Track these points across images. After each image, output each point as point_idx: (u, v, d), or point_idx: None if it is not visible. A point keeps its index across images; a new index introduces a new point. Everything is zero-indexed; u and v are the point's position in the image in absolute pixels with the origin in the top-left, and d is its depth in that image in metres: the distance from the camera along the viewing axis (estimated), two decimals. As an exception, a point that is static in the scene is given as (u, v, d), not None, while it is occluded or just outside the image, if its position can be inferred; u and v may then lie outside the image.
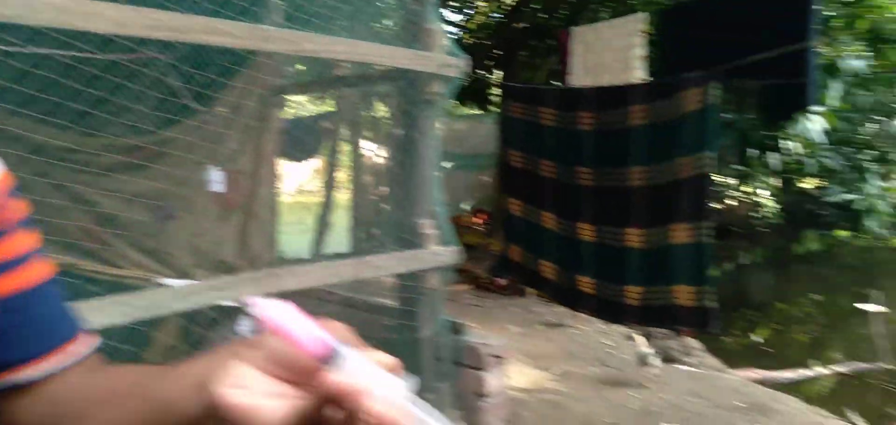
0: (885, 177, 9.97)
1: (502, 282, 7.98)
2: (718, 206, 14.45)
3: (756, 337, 9.30)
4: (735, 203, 14.57)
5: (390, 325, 2.75)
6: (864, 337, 8.27)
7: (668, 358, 5.88)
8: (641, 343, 5.56)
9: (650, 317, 3.68)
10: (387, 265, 2.48)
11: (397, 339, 2.71)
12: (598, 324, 7.04)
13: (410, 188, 2.62)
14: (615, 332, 6.83)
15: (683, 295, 3.41)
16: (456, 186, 10.53)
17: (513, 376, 5.49)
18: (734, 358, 7.27)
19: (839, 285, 11.74)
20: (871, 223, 10.35)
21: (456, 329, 2.68)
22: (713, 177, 3.40)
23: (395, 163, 3.03)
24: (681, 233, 3.37)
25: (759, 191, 13.82)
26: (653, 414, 4.81)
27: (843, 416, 5.38)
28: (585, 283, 3.84)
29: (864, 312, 9.23)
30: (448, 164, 10.67)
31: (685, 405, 4.98)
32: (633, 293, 3.59)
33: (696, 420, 4.71)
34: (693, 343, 6.43)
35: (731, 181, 13.17)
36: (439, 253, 2.57)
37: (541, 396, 5.06)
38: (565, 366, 5.72)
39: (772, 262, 14.92)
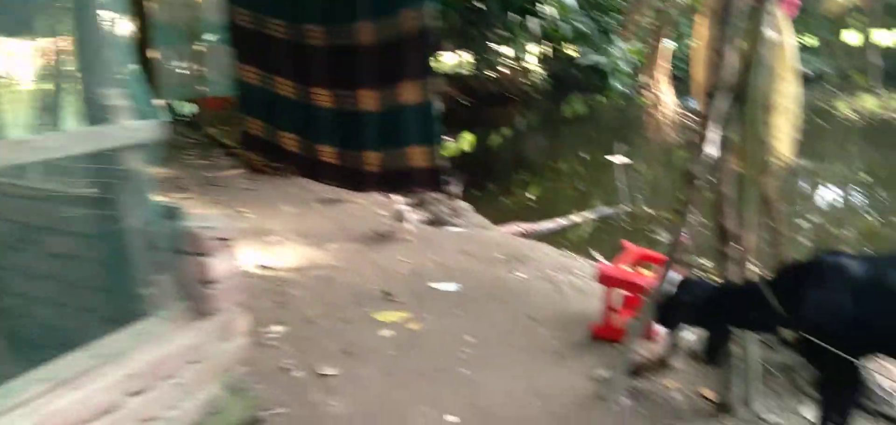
0: (626, 39, 11.02)
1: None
2: (493, 74, 15.15)
3: (530, 195, 10.09)
4: (508, 71, 15.35)
5: (87, 216, 2.36)
6: (616, 187, 9.34)
7: (439, 221, 6.07)
8: (398, 200, 5.69)
9: (390, 181, 3.65)
10: (57, 145, 2.06)
11: (98, 232, 2.33)
12: (377, 197, 7.05)
13: (86, 51, 2.16)
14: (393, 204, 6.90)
15: (417, 156, 3.42)
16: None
17: (284, 256, 5.30)
18: (509, 215, 7.80)
19: (600, 142, 13.03)
20: (615, 83, 11.50)
21: (172, 214, 2.35)
22: (435, 33, 3.35)
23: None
24: (409, 92, 3.32)
25: (528, 57, 14.62)
26: (422, 274, 4.96)
27: (587, 255, 6.03)
28: (327, 153, 3.68)
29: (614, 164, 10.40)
30: (213, 37, 9.71)
31: (452, 263, 5.21)
32: (372, 159, 3.52)
33: (462, 274, 4.95)
34: (463, 205, 6.71)
35: (504, 49, 13.75)
36: (134, 128, 2.19)
37: (312, 273, 4.96)
38: (339, 241, 5.65)
39: (544, 125, 16.19)
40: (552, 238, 7.06)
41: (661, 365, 3.50)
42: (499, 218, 7.35)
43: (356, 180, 3.67)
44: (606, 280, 3.83)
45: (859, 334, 2.45)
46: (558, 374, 3.57)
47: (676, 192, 3.02)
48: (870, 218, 7.77)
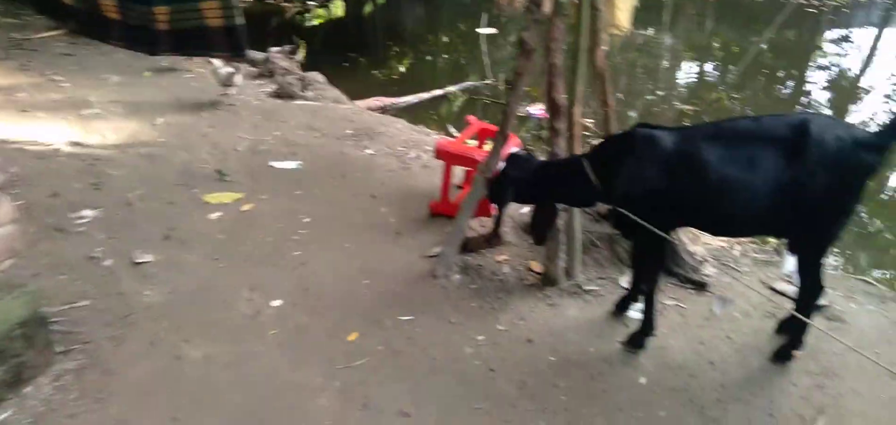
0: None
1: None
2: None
3: (402, 67, 9.72)
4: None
5: None
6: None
7: (286, 94, 5.68)
8: (219, 64, 5.26)
9: (185, 42, 3.24)
10: None
11: None
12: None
13: None
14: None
15: (211, 13, 3.04)
16: None
17: (103, 132, 4.75)
18: (375, 88, 7.46)
19: (478, 13, 12.69)
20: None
21: None
22: None
23: None
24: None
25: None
26: (262, 151, 4.64)
27: (445, 131, 5.93)
28: (109, 7, 3.18)
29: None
30: None
31: (295, 138, 4.92)
32: (161, 15, 3.08)
33: (305, 151, 4.69)
34: (317, 77, 6.32)
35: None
36: None
37: (135, 151, 4.49)
38: (170, 114, 5.14)
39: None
40: (417, 112, 6.88)
41: (493, 240, 3.52)
42: (365, 91, 7.03)
43: (147, 40, 3.19)
44: (444, 155, 3.73)
45: (668, 206, 2.52)
46: (393, 253, 3.50)
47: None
48: (721, 92, 8.22)
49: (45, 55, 6.17)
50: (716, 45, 10.61)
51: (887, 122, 2.43)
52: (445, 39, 11.75)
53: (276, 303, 3.04)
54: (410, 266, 3.38)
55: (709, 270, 3.33)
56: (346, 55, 9.30)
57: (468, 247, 3.46)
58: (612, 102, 3.19)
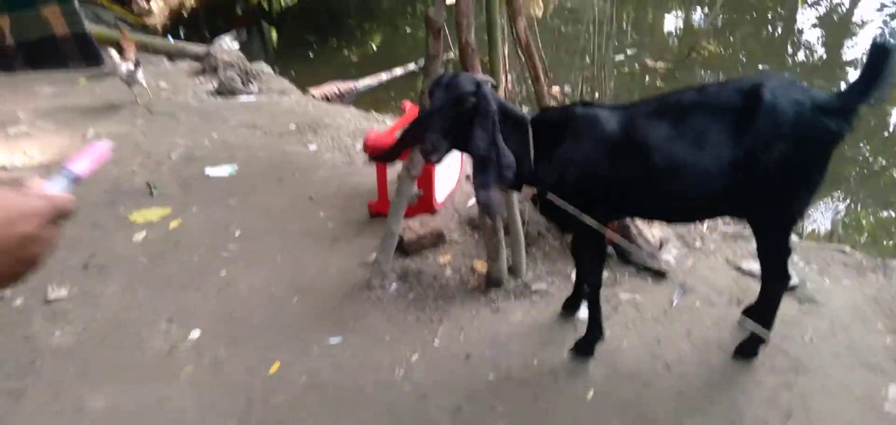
0: None
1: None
2: None
3: (375, 45, 9.35)
4: None
5: None
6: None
7: (228, 90, 5.35)
8: (117, 62, 4.85)
9: (39, 56, 2.94)
10: None
11: None
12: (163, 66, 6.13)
13: None
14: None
15: (54, 19, 2.74)
16: None
17: (29, 151, 4.45)
18: (344, 71, 7.14)
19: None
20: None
21: None
22: None
23: None
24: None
25: None
26: (197, 157, 4.34)
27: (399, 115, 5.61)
28: None
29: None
30: None
31: (234, 139, 4.61)
32: (3, 24, 2.78)
33: (243, 152, 4.39)
34: (264, 68, 5.98)
35: None
36: None
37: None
38: (103, 124, 4.81)
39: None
40: (379, 95, 6.56)
41: (436, 239, 3.24)
42: (335, 74, 6.70)
43: (2, 63, 2.89)
44: (373, 150, 3.42)
45: (609, 194, 2.22)
46: (328, 262, 3.23)
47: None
48: (705, 43, 7.86)
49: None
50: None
51: (853, 82, 2.12)
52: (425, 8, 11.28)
53: (195, 334, 2.78)
54: (346, 276, 3.10)
55: (669, 255, 3.05)
56: (320, 37, 8.91)
57: (408, 249, 3.19)
58: (543, 76, 2.88)
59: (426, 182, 3.38)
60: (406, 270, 3.08)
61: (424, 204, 3.40)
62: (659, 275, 2.97)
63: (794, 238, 3.26)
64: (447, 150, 2.10)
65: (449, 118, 2.05)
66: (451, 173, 3.71)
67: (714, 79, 6.44)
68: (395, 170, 3.54)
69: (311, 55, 8.50)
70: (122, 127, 4.76)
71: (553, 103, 3.08)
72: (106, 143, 0.94)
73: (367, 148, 3.43)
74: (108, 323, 2.86)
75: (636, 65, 6.55)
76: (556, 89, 2.88)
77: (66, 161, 0.86)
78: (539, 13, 2.98)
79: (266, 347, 2.68)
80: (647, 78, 6.33)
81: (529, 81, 2.92)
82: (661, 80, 6.15)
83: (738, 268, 3.04)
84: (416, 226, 3.25)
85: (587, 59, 4.63)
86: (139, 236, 3.50)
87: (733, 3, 8.86)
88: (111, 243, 3.44)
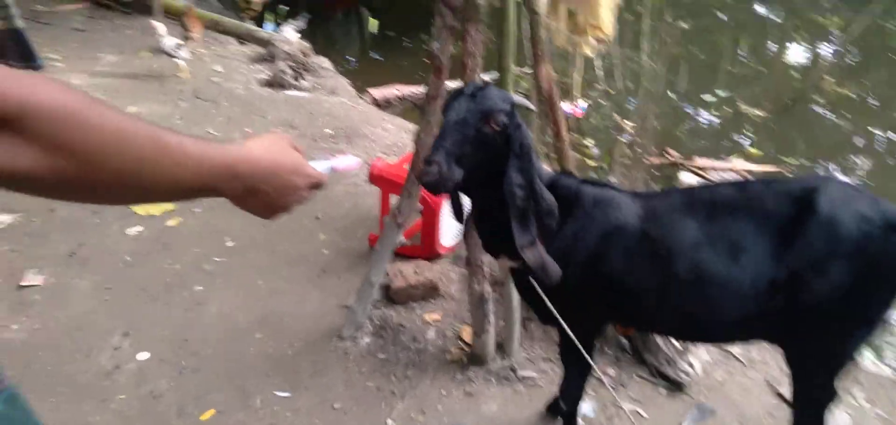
0: None
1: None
2: None
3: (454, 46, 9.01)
4: None
5: None
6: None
7: (277, 83, 5.18)
8: (162, 33, 4.88)
9: None
10: None
11: None
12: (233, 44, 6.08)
13: None
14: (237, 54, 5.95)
15: None
16: None
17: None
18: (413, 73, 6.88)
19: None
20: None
21: None
22: None
23: None
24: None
25: None
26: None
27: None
28: None
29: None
30: None
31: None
32: None
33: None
34: (323, 63, 5.77)
35: None
36: None
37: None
38: (146, 103, 4.75)
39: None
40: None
41: (428, 291, 2.86)
42: (407, 73, 6.45)
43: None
44: (377, 181, 3.08)
45: (612, 296, 1.77)
46: (308, 297, 2.92)
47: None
48: (824, 80, 6.94)
49: (57, 29, 5.99)
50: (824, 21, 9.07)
51: None
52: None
53: (143, 356, 2.56)
54: (320, 318, 2.79)
55: (695, 360, 2.51)
56: (414, 30, 8.61)
57: (394, 298, 2.83)
58: (565, 133, 2.41)
59: (429, 221, 2.99)
60: (385, 322, 2.72)
61: (425, 247, 3.03)
62: (675, 385, 2.44)
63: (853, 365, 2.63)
64: (458, 181, 1.53)
65: (470, 139, 1.51)
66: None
67: (826, 132, 5.58)
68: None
69: (396, 50, 8.22)
70: (164, 107, 4.69)
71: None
72: (356, 160, 1.20)
73: (372, 179, 3.10)
74: (66, 326, 2.69)
75: (726, 108, 5.81)
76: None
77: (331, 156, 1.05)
78: (590, 53, 2.51)
79: (207, 387, 2.41)
80: (722, 127, 5.58)
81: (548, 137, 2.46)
82: (753, 131, 5.40)
83: (780, 395, 2.45)
84: (408, 273, 2.88)
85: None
86: (134, 230, 3.34)
87: (866, 43, 7.79)
88: (104, 233, 3.30)
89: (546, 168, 1.88)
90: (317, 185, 0.95)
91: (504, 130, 1.56)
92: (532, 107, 1.61)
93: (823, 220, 1.58)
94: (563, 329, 1.78)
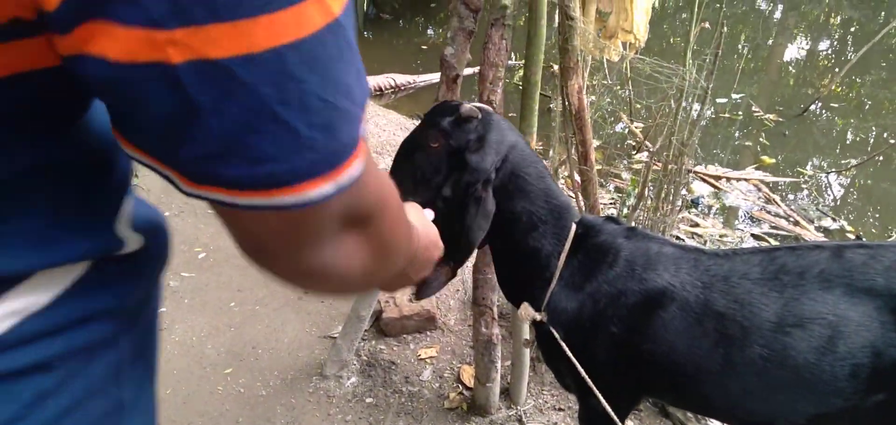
0: None
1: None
2: None
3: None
4: None
5: None
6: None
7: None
8: None
9: None
10: None
11: None
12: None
13: None
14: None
15: None
16: None
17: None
18: (415, 55, 6.55)
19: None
20: None
21: None
22: None
23: None
24: None
25: None
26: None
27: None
28: None
29: None
30: None
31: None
32: None
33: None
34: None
35: None
36: None
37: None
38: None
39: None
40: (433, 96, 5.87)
41: (424, 323, 2.53)
42: (402, 60, 6.10)
43: None
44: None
45: (656, 373, 1.44)
46: (287, 324, 2.59)
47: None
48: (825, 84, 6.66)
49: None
50: (831, 21, 8.80)
51: None
52: None
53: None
54: (298, 351, 2.45)
55: (727, 417, 2.20)
56: (410, 11, 8.23)
57: (386, 330, 2.50)
58: (594, 158, 2.07)
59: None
60: (375, 359, 2.39)
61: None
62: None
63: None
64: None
65: (411, 172, 1.34)
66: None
67: (831, 142, 5.30)
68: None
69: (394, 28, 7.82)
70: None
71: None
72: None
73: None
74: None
75: (741, 114, 5.50)
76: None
77: None
78: (616, 57, 2.18)
79: (166, 437, 2.07)
80: (735, 132, 5.28)
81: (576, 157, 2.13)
82: (765, 138, 5.10)
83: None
84: (402, 301, 2.54)
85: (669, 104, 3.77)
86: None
87: (866, 42, 7.55)
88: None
89: (569, 199, 1.54)
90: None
91: (445, 148, 1.31)
92: (478, 114, 1.30)
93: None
94: (592, 399, 1.45)
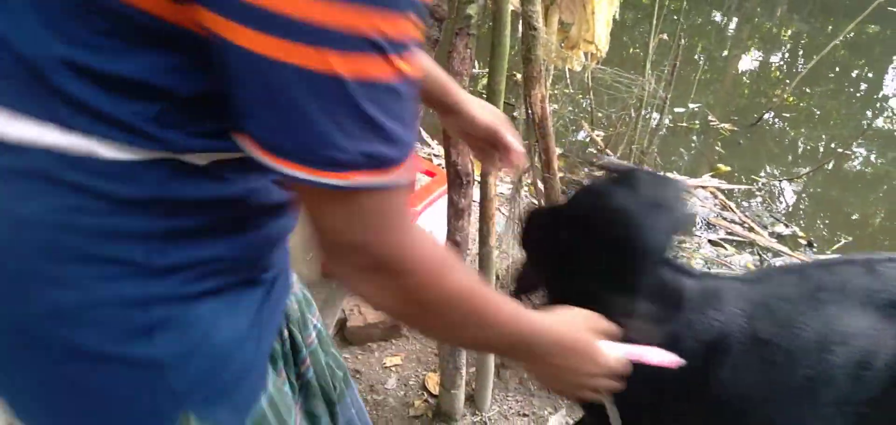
0: None
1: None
2: None
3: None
4: None
5: None
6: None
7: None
8: None
9: None
10: None
11: None
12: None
13: None
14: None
15: None
16: None
17: None
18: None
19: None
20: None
21: None
22: None
23: None
24: None
25: None
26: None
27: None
28: None
29: None
30: None
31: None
32: None
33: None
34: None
35: None
36: None
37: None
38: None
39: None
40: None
41: (389, 331, 2.52)
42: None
43: None
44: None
45: (699, 412, 1.36)
46: (249, 333, 2.54)
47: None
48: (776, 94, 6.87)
49: None
50: (782, 34, 9.10)
51: None
52: None
53: None
54: (263, 359, 2.42)
55: None
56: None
57: (350, 338, 2.49)
58: (557, 166, 2.11)
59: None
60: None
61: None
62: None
63: None
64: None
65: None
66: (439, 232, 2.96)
67: (784, 150, 5.49)
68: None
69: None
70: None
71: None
72: (671, 357, 0.93)
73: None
74: None
75: (698, 123, 5.64)
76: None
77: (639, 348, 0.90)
78: (578, 67, 2.21)
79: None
80: (689, 141, 5.43)
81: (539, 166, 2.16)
82: (721, 146, 5.25)
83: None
84: (367, 308, 2.54)
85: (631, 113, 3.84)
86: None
87: (815, 54, 7.85)
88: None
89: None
90: (612, 376, 0.87)
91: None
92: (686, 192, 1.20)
93: None
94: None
